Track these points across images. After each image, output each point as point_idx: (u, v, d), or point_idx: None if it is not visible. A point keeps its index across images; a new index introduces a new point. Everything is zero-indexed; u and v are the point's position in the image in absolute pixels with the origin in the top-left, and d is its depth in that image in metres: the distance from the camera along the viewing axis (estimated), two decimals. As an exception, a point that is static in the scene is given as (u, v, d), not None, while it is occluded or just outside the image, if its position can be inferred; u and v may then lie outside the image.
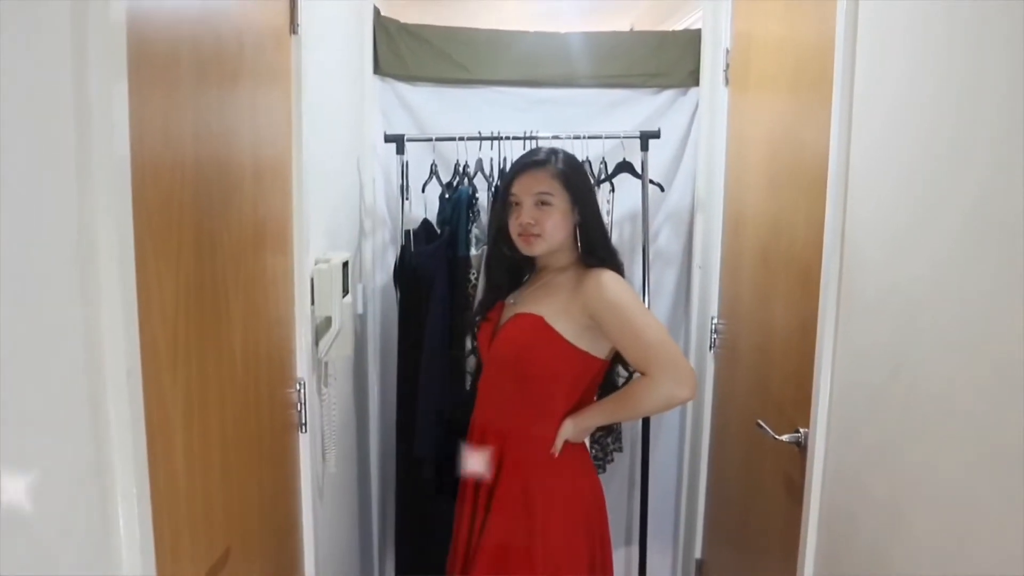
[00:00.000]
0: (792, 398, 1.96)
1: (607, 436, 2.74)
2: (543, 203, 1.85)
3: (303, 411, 1.75)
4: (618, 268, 1.88)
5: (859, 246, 1.61)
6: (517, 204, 1.88)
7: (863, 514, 1.57)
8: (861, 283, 1.60)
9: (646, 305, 2.66)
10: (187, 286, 1.10)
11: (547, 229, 1.85)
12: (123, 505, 0.89)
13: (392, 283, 2.71)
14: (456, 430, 2.16)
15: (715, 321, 2.66)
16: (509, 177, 1.92)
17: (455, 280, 2.45)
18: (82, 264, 0.82)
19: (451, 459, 2.38)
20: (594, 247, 1.87)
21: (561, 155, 1.91)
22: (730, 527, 2.53)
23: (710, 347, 2.68)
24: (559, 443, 1.84)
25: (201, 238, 1.16)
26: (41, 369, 0.75)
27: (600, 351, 1.83)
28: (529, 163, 1.89)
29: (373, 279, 2.86)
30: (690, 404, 2.92)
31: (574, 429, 1.84)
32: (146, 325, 0.93)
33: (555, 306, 1.82)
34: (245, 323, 1.37)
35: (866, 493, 1.56)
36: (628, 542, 3.08)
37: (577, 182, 1.88)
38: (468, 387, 2.50)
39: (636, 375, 1.82)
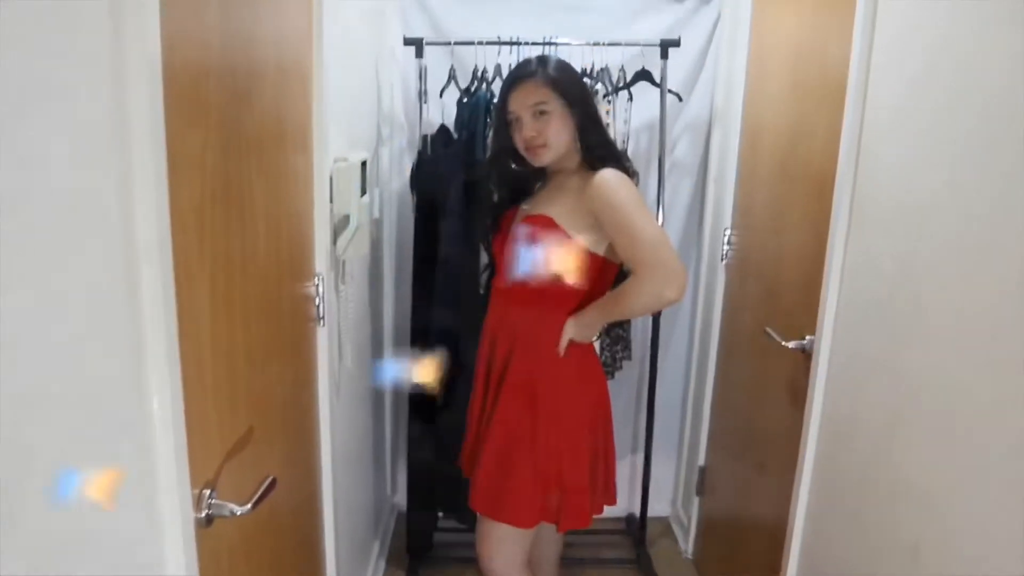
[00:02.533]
0: (801, 306, 1.99)
1: (616, 344, 2.79)
2: (541, 113, 1.86)
3: (321, 305, 1.80)
4: (621, 165, 1.89)
5: (874, 155, 1.61)
6: (517, 120, 1.90)
7: (863, 417, 1.62)
8: (874, 191, 1.61)
9: (659, 216, 2.67)
10: (213, 172, 1.13)
11: (550, 138, 1.87)
12: (155, 375, 0.93)
13: (408, 189, 2.73)
14: (469, 328, 2.22)
15: (728, 233, 2.67)
16: (503, 95, 1.93)
17: (472, 184, 2.47)
18: (119, 142, 0.84)
19: (464, 360, 2.45)
20: (592, 145, 1.89)
21: (549, 61, 1.92)
22: (733, 434, 2.60)
23: (722, 258, 2.70)
24: (564, 342, 1.89)
25: (227, 129, 1.19)
26: (81, 242, 0.79)
27: (607, 250, 1.87)
28: (519, 76, 1.90)
29: (390, 184, 2.88)
30: (699, 315, 2.96)
31: (575, 327, 1.89)
32: (175, 203, 0.96)
33: (564, 207, 1.85)
34: (267, 213, 1.40)
35: (867, 397, 1.60)
36: (634, 450, 3.17)
37: (569, 85, 1.89)
38: (482, 291, 2.54)
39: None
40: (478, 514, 2.00)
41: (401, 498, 3.06)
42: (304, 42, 1.66)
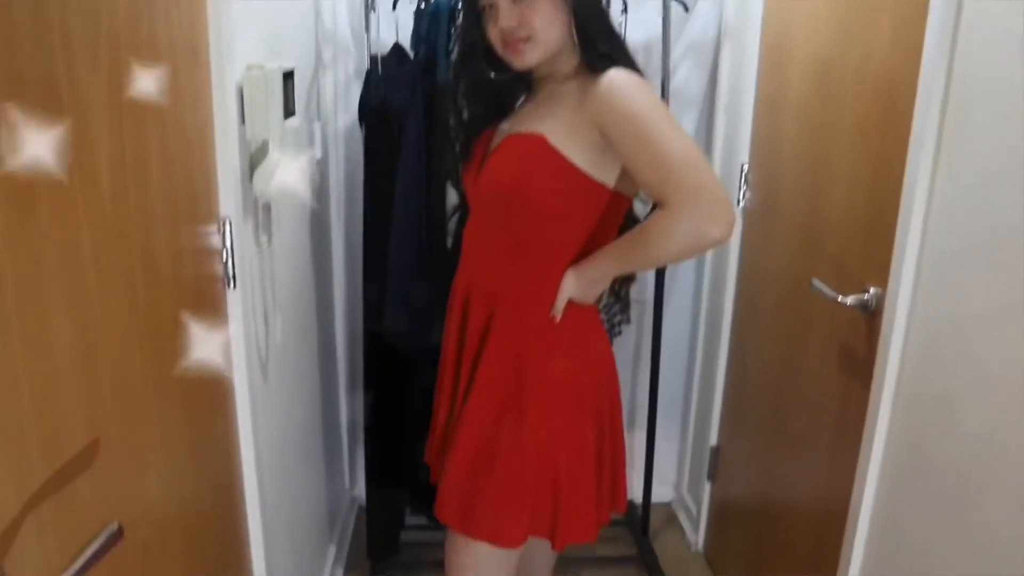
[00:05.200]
0: (859, 253, 1.57)
1: (614, 305, 2.34)
2: None
3: (231, 260, 1.33)
4: (634, 66, 1.41)
5: (978, 50, 1.18)
6: (491, 7, 1.40)
7: (969, 394, 1.21)
8: (981, 85, 1.18)
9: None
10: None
11: (536, 28, 1.36)
12: None
13: (357, 122, 2.24)
14: (435, 293, 1.76)
15: (745, 169, 2.22)
16: None
17: (433, 113, 1.99)
18: None
19: (428, 329, 1.99)
20: (593, 39, 1.39)
21: None
22: (757, 409, 2.17)
23: (737, 202, 2.25)
24: (560, 303, 1.42)
25: (26, 24, 0.73)
26: None
27: (617, 179, 1.40)
28: None
29: (335, 120, 2.40)
30: (708, 267, 2.52)
31: (577, 283, 1.42)
32: None
33: (559, 122, 1.36)
34: (117, 137, 0.94)
35: (976, 366, 1.19)
36: (632, 426, 2.72)
37: None
38: (450, 245, 2.08)
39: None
40: (448, 528, 1.56)
41: (361, 491, 2.61)
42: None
